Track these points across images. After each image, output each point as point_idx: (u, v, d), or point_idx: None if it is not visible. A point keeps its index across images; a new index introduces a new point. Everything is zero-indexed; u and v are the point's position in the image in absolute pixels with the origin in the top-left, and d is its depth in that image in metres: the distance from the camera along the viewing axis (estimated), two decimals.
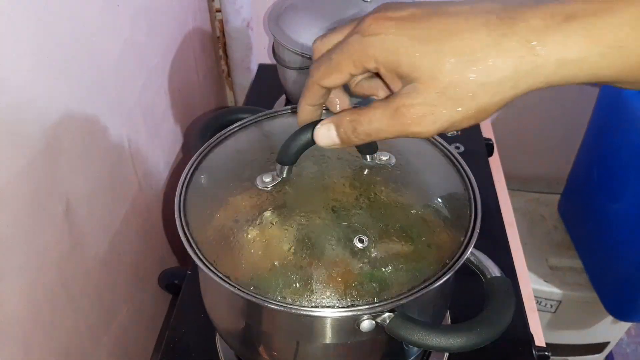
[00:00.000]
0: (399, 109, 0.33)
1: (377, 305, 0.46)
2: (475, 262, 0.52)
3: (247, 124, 0.66)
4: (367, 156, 0.55)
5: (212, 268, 0.50)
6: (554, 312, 1.23)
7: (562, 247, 1.24)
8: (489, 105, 0.32)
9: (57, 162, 0.58)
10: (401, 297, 0.47)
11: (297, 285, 0.61)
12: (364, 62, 0.34)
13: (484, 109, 0.32)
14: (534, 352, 0.68)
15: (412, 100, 0.33)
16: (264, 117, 0.67)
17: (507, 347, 0.68)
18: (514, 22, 0.30)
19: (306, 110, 0.42)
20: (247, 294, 0.48)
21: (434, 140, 0.64)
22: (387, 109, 0.35)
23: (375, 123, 0.36)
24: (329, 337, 0.49)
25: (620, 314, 1.14)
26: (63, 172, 0.59)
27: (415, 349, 0.59)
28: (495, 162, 1.01)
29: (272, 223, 0.65)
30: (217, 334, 0.68)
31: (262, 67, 1.21)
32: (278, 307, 0.48)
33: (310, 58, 0.82)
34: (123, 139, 0.75)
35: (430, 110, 0.32)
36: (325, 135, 0.38)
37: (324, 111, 0.45)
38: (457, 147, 0.96)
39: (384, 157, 0.56)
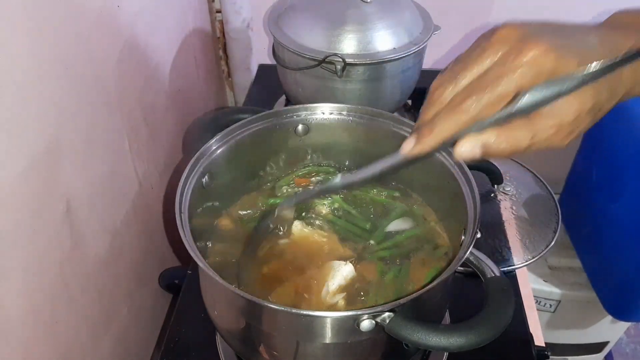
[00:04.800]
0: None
1: (377, 305, 0.46)
2: (475, 262, 0.52)
3: (247, 124, 0.66)
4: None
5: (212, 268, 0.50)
6: (554, 311, 1.23)
7: (561, 247, 1.24)
8: None
9: (58, 162, 0.58)
10: (401, 297, 0.47)
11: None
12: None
13: None
14: (533, 351, 0.69)
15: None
16: (264, 117, 0.67)
17: (506, 347, 0.68)
18: None
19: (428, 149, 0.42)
20: (247, 293, 0.48)
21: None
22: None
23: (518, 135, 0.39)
24: (329, 336, 0.49)
25: (619, 314, 1.14)
26: (63, 173, 0.59)
27: (415, 348, 0.59)
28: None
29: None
30: (217, 333, 0.69)
31: (262, 68, 1.21)
32: (278, 307, 0.49)
33: (310, 58, 0.82)
34: (123, 139, 0.75)
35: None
36: (469, 150, 0.40)
37: None
38: None
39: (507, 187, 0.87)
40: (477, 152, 0.40)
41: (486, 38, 0.40)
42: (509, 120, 0.38)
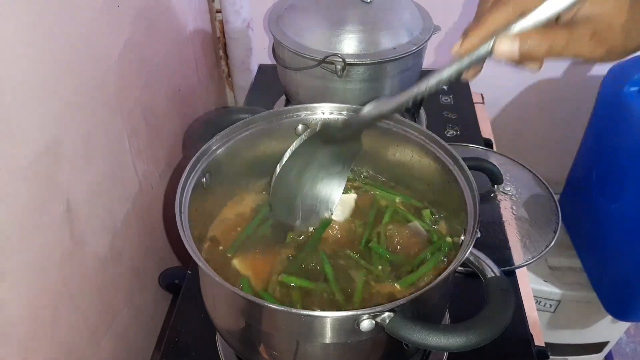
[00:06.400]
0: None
1: (377, 305, 0.46)
2: (475, 262, 0.52)
3: (247, 124, 0.66)
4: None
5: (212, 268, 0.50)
6: (554, 311, 1.23)
7: (561, 247, 1.24)
8: None
9: (58, 162, 0.58)
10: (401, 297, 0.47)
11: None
12: None
13: None
14: (533, 351, 0.69)
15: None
16: (264, 118, 0.67)
17: (506, 347, 0.68)
18: None
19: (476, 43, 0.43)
20: (247, 294, 0.48)
21: (434, 140, 0.64)
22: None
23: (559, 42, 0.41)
24: (329, 337, 0.49)
25: (619, 314, 1.14)
26: (63, 173, 0.59)
27: (415, 348, 0.59)
28: None
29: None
30: (217, 333, 0.69)
31: (262, 68, 1.21)
32: (278, 307, 0.49)
33: (310, 58, 0.82)
34: (123, 139, 0.75)
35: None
36: (508, 48, 0.41)
37: None
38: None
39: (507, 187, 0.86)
40: (515, 50, 0.41)
41: None
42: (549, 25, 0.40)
